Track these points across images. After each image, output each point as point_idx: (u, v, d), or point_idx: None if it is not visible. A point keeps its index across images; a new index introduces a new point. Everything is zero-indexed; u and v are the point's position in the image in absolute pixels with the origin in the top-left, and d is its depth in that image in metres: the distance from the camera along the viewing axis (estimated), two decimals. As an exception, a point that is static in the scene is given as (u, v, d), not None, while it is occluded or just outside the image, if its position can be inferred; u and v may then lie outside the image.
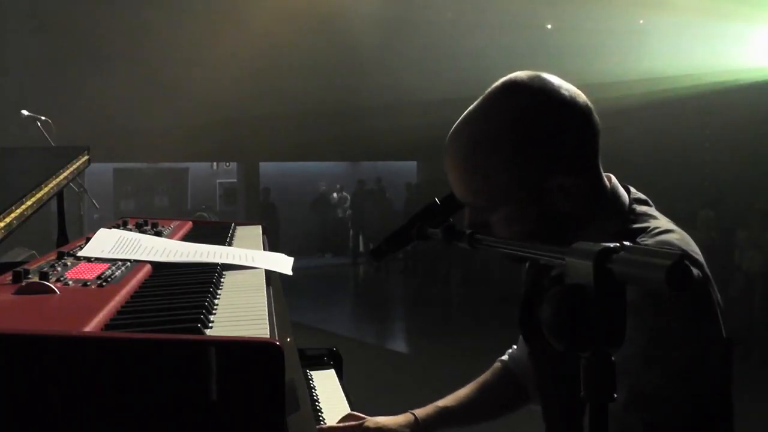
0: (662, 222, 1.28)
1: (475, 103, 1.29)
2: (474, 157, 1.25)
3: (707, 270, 1.21)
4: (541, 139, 1.22)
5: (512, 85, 1.26)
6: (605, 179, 1.31)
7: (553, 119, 1.23)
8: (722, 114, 9.62)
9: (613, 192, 1.30)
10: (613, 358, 0.76)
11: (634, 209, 1.30)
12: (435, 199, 1.37)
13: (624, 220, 1.27)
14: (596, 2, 10.23)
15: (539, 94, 1.23)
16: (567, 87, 1.26)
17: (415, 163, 17.06)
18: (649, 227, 1.25)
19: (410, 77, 11.66)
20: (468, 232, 1.16)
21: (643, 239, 1.21)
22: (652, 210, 1.32)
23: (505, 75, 1.30)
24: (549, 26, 11.95)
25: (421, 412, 1.63)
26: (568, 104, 1.24)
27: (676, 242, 1.21)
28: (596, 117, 1.26)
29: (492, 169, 1.23)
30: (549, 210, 1.24)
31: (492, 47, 10.69)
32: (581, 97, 1.26)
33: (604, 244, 0.75)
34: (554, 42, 10.78)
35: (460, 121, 1.29)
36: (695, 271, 1.17)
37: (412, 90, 11.77)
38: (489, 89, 1.28)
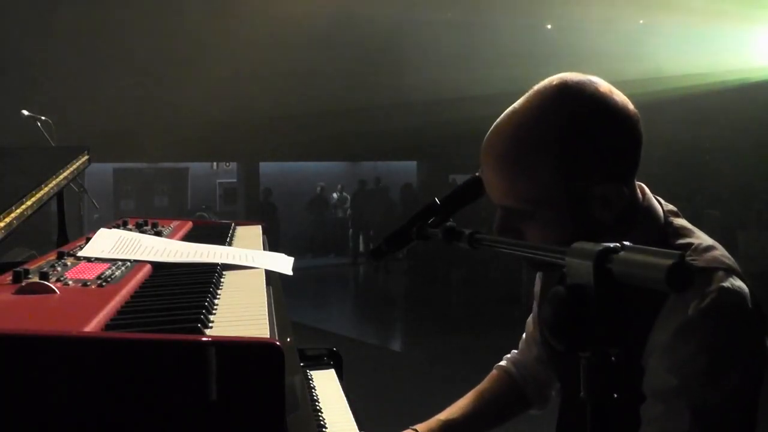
0: (702, 237, 1.26)
1: (522, 102, 1.24)
2: (521, 157, 1.20)
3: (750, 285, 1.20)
4: (591, 145, 1.18)
5: (564, 87, 1.22)
6: (639, 190, 1.28)
7: (604, 125, 1.19)
8: (723, 114, 9.62)
9: (648, 204, 1.28)
10: (611, 359, 0.76)
11: (671, 222, 1.27)
12: (435, 199, 1.37)
13: (662, 234, 1.25)
14: (596, 2, 10.23)
15: (592, 98, 1.20)
16: (618, 93, 1.23)
17: (415, 163, 17.06)
18: (692, 243, 1.22)
19: (410, 77, 11.67)
20: (468, 232, 1.16)
21: (692, 258, 1.18)
22: (686, 222, 1.30)
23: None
24: (549, 26, 11.95)
25: (423, 426, 1.58)
26: (620, 111, 1.21)
27: (725, 260, 1.20)
28: (641, 127, 1.23)
29: (539, 172, 1.19)
30: (589, 218, 1.21)
31: (492, 47, 10.70)
32: (630, 105, 1.23)
33: (604, 244, 0.74)
34: (554, 42, 10.78)
35: (505, 119, 1.24)
36: (745, 287, 1.17)
37: (412, 90, 11.77)
38: (537, 88, 1.24)
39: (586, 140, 1.19)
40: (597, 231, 1.19)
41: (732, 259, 1.22)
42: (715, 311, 1.12)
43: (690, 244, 1.22)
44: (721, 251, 1.22)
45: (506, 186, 1.23)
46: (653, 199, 1.30)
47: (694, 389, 1.12)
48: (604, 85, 1.23)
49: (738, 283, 1.16)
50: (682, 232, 1.26)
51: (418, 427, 1.58)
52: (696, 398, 1.12)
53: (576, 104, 1.20)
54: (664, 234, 1.25)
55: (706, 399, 1.12)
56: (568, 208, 1.20)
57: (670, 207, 1.32)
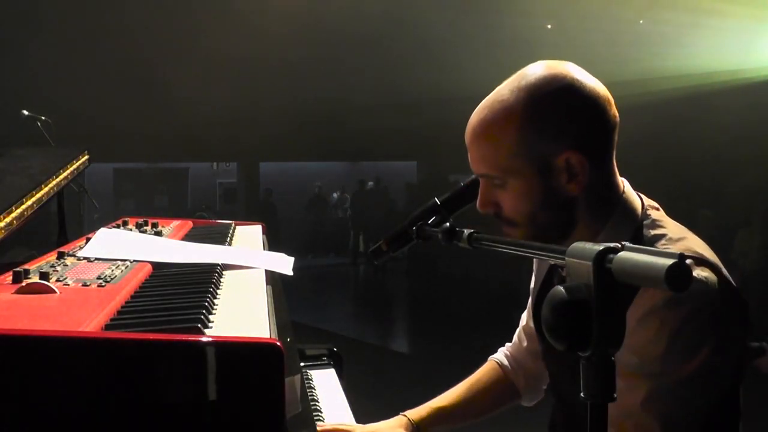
0: (677, 228, 1.30)
1: (503, 83, 1.33)
2: (489, 126, 1.28)
3: (726, 274, 1.22)
4: (552, 114, 1.25)
5: (537, 66, 1.31)
6: (620, 183, 1.32)
7: (566, 97, 1.26)
8: (723, 114, 9.62)
9: (627, 197, 1.32)
10: (612, 358, 0.76)
11: (648, 215, 1.31)
12: (435, 199, 1.38)
13: (638, 226, 1.29)
14: (596, 2, 10.23)
15: (559, 75, 1.27)
16: (591, 78, 1.29)
17: (415, 163, 17.06)
18: (666, 234, 1.27)
19: (410, 77, 11.66)
20: (468, 232, 1.17)
21: (665, 247, 1.22)
22: (664, 216, 1.33)
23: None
24: (549, 26, 11.94)
25: (413, 413, 1.63)
26: (586, 88, 1.27)
27: (697, 250, 1.23)
28: (615, 112, 1.29)
29: (503, 139, 1.26)
30: (556, 188, 1.26)
31: (492, 47, 10.69)
32: (603, 89, 1.29)
33: (604, 243, 0.75)
34: (554, 42, 10.77)
35: (486, 97, 1.33)
36: (713, 276, 1.19)
37: (412, 90, 11.77)
38: (518, 71, 1.33)
39: (546, 110, 1.25)
40: (568, 205, 1.27)
41: (708, 249, 1.25)
42: (678, 299, 1.14)
43: (663, 235, 1.27)
44: (694, 242, 1.26)
45: (478, 154, 1.30)
46: (633, 193, 1.34)
47: (652, 368, 1.15)
48: (576, 68, 1.30)
49: (705, 273, 1.18)
50: (658, 224, 1.30)
51: (408, 413, 1.62)
52: (654, 377, 1.15)
53: (541, 79, 1.27)
54: (640, 225, 1.29)
55: (662, 379, 1.15)
56: (534, 177, 1.26)
57: (652, 202, 1.35)
